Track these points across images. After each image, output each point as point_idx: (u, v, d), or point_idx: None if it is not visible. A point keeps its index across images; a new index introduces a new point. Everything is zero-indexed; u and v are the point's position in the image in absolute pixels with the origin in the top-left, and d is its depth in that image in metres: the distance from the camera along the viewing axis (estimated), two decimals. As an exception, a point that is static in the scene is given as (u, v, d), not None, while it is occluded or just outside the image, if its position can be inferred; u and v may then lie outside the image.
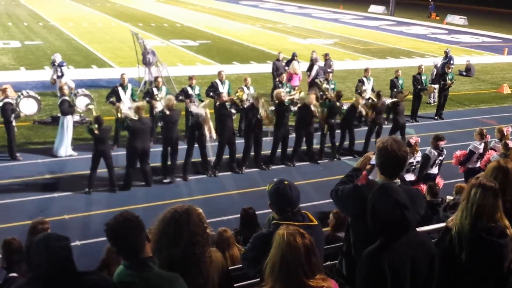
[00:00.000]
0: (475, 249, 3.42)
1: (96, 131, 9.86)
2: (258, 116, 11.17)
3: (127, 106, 11.93)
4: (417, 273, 3.10)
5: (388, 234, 3.08)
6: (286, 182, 3.51)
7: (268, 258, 2.84)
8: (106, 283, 3.04)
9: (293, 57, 17.07)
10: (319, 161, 12.16)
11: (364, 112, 12.59)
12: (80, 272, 3.01)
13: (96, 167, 10.00)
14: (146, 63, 16.00)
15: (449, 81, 16.08)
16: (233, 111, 11.47)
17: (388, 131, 12.77)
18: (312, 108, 11.63)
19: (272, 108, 12.23)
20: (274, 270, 2.79)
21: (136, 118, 10.07)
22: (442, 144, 9.32)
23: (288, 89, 14.03)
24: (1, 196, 9.61)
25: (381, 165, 3.56)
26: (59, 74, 15.41)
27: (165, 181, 10.63)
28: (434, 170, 9.43)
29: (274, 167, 11.70)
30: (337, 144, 12.46)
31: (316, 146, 12.37)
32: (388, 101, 13.24)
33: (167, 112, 10.48)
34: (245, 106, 11.50)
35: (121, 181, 10.28)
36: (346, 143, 12.65)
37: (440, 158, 9.36)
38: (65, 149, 11.57)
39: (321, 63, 16.95)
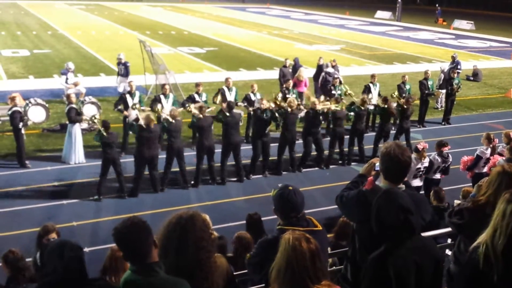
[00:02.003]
0: (510, 270, 3.10)
1: (104, 133, 9.94)
2: (267, 114, 11.30)
3: (134, 114, 12.02)
4: (422, 278, 3.10)
5: (392, 239, 3.09)
6: (290, 188, 3.54)
7: (274, 262, 2.87)
8: None
9: (296, 63, 17.08)
10: (326, 168, 12.16)
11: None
12: (89, 279, 3.07)
13: (106, 173, 10.06)
14: (122, 74, 16.18)
15: (455, 86, 16.04)
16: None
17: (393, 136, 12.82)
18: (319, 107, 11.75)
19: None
20: (279, 274, 2.82)
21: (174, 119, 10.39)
22: (445, 150, 9.31)
23: (294, 95, 14.09)
24: (10, 203, 9.69)
25: (385, 170, 3.59)
26: (72, 81, 15.55)
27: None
28: (438, 176, 9.42)
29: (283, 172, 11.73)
30: (345, 149, 12.45)
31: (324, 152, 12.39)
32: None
33: (173, 121, 10.53)
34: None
35: (130, 188, 10.34)
36: (356, 148, 12.65)
37: (444, 164, 9.33)
38: (75, 157, 11.64)
39: (329, 69, 16.95)
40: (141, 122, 10.11)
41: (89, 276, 3.22)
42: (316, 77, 17.01)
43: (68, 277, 2.91)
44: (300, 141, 12.14)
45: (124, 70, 16.61)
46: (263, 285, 3.67)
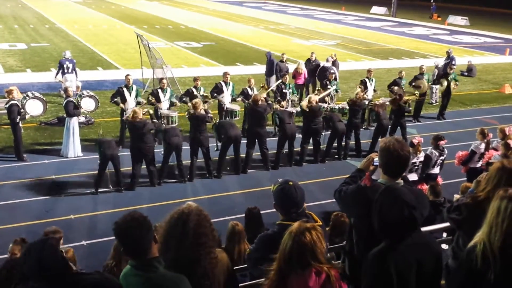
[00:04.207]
0: (507, 267, 3.05)
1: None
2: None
3: (132, 107, 12.03)
4: (422, 273, 3.12)
5: (394, 235, 3.10)
6: (291, 183, 3.55)
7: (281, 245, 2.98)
8: (109, 282, 3.08)
9: (269, 57, 17.05)
10: (323, 162, 12.22)
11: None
12: (79, 273, 3.04)
13: (105, 168, 10.07)
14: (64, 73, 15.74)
15: (453, 85, 16.04)
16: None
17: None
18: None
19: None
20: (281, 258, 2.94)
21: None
22: (442, 143, 9.38)
23: (291, 90, 14.18)
24: (8, 197, 9.69)
25: (384, 165, 3.59)
26: (70, 71, 15.44)
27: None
28: (436, 170, 9.48)
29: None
30: (342, 144, 12.50)
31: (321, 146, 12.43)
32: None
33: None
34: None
35: (127, 181, 10.36)
36: (352, 142, 12.71)
37: (442, 158, 9.41)
38: (73, 150, 11.65)
39: (327, 64, 17.00)
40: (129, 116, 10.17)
41: (83, 270, 3.20)
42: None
43: (44, 274, 2.85)
44: (300, 136, 12.17)
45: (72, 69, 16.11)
46: (263, 279, 3.72)
